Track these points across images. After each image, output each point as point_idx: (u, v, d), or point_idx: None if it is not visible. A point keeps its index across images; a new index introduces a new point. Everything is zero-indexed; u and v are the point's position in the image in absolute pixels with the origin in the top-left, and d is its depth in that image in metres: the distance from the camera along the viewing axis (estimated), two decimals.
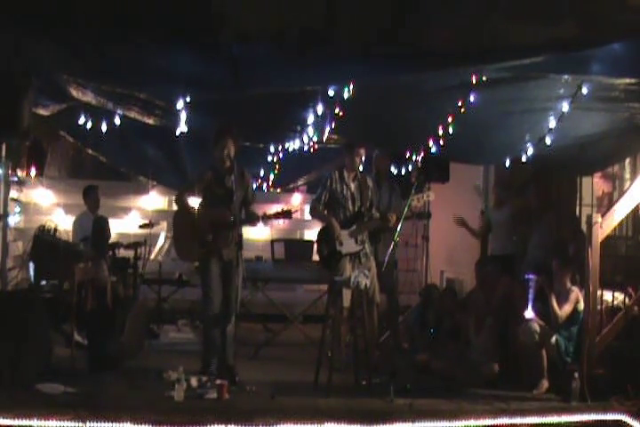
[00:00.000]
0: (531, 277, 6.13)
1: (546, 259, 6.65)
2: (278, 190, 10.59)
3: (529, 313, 5.99)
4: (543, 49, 4.47)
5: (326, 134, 7.00)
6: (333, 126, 6.74)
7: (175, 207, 6.36)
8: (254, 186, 6.68)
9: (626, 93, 5.40)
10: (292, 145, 7.81)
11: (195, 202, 6.16)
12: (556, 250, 6.62)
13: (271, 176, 9.85)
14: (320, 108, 6.08)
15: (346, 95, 5.69)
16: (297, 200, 10.70)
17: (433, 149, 7.17)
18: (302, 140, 7.49)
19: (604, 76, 5.08)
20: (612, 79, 5.14)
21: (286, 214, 5.90)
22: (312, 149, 7.88)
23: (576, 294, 6.00)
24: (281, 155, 8.79)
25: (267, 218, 5.95)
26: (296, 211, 6.08)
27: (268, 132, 7.39)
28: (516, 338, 6.09)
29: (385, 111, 6.31)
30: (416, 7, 4.43)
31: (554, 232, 7.27)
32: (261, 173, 9.63)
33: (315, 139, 7.31)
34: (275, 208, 6.23)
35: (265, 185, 9.95)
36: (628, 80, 5.08)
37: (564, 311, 5.97)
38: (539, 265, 6.79)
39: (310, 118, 6.41)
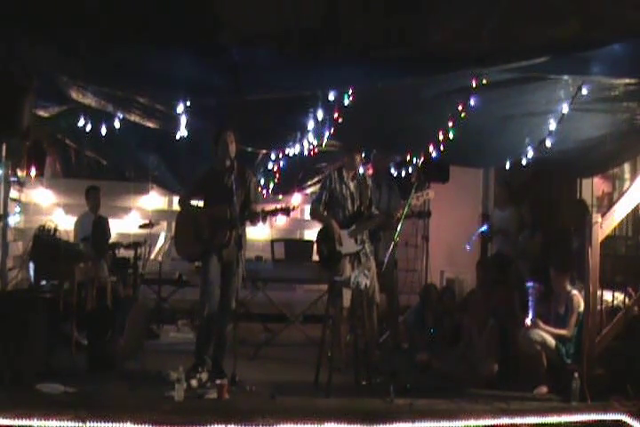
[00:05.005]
0: (530, 284, 6.13)
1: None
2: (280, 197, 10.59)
3: (529, 320, 5.99)
4: (544, 50, 4.47)
5: (325, 140, 7.00)
6: (332, 131, 6.75)
7: (178, 208, 6.38)
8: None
9: (625, 94, 5.40)
10: (293, 150, 7.82)
11: (198, 204, 6.19)
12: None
13: (271, 185, 9.89)
14: (320, 114, 6.10)
15: (346, 101, 5.70)
16: (297, 200, 10.70)
17: (433, 154, 7.18)
18: (302, 146, 7.49)
19: (604, 77, 5.08)
20: (612, 79, 5.15)
21: (285, 211, 5.91)
22: (312, 153, 7.89)
23: (577, 298, 6.00)
24: (281, 163, 8.81)
25: (265, 214, 5.94)
26: (294, 208, 6.07)
27: (268, 137, 7.40)
28: (516, 342, 6.09)
29: (385, 117, 6.32)
30: (416, 8, 4.42)
31: (538, 251, 7.36)
32: (261, 181, 9.65)
33: (314, 145, 7.33)
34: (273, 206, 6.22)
35: (265, 192, 9.96)
36: (627, 80, 5.09)
37: (570, 325, 5.96)
38: (535, 269, 6.86)
39: (310, 124, 6.42)
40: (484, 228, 8.08)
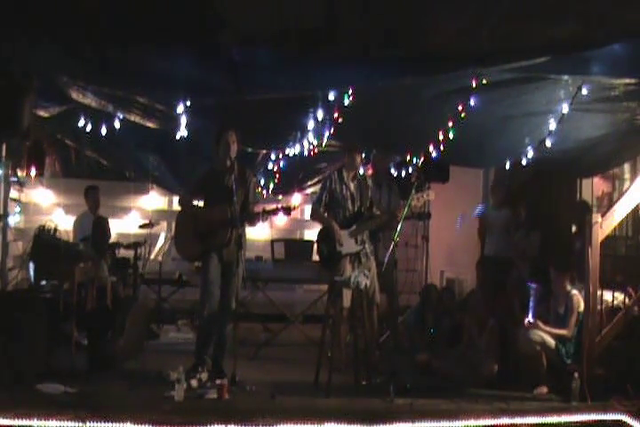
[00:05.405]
0: (532, 285, 6.14)
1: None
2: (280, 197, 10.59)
3: (529, 321, 5.99)
4: (544, 50, 4.47)
5: (325, 140, 7.00)
6: (332, 131, 6.75)
7: (178, 207, 6.38)
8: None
9: (625, 94, 5.40)
10: (293, 150, 7.82)
11: (199, 204, 6.19)
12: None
13: (271, 185, 9.89)
14: (320, 114, 6.09)
15: (346, 101, 5.70)
16: (297, 200, 10.71)
17: (433, 154, 7.18)
18: (302, 146, 7.49)
19: (604, 77, 5.08)
20: (612, 79, 5.15)
21: (285, 210, 5.91)
22: (312, 153, 7.89)
23: (577, 298, 6.00)
24: (281, 163, 8.82)
25: (265, 214, 5.94)
26: (295, 208, 6.08)
27: (268, 137, 7.40)
28: (516, 342, 6.09)
29: (385, 117, 6.32)
30: (415, 8, 4.42)
31: (535, 251, 7.36)
32: (261, 181, 9.66)
33: (314, 144, 7.33)
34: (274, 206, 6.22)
35: (265, 192, 9.97)
36: (627, 80, 5.09)
37: (570, 325, 5.96)
38: (534, 269, 6.86)
39: (310, 124, 6.42)
40: (480, 209, 8.04)
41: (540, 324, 5.93)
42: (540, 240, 7.49)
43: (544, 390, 5.90)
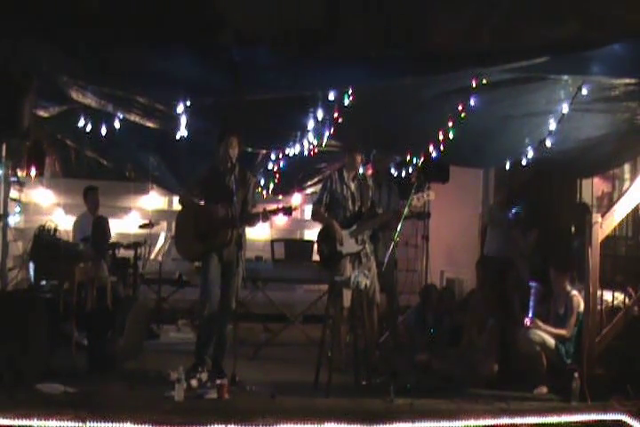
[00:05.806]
0: (532, 284, 6.14)
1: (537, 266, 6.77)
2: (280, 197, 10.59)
3: (529, 321, 5.99)
4: (544, 50, 4.47)
5: (325, 140, 7.01)
6: (332, 131, 6.76)
7: (178, 207, 6.38)
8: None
9: (625, 94, 5.41)
10: (293, 150, 7.82)
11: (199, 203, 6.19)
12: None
13: (271, 185, 9.89)
14: (320, 114, 6.10)
15: (346, 101, 5.71)
16: (297, 200, 10.71)
17: (433, 154, 7.18)
18: (302, 146, 7.50)
19: (604, 77, 5.08)
20: (612, 79, 5.15)
21: (286, 211, 5.91)
22: (312, 153, 7.89)
23: (577, 299, 6.00)
24: (281, 163, 8.82)
25: (267, 214, 5.94)
26: (295, 208, 6.09)
27: (268, 137, 7.40)
28: (516, 342, 6.09)
29: (385, 117, 6.32)
30: (415, 8, 4.42)
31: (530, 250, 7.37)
32: (262, 181, 9.66)
33: (314, 144, 7.33)
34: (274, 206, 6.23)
35: (265, 192, 9.98)
36: (627, 80, 5.09)
37: (570, 326, 5.96)
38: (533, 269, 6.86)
39: (310, 124, 6.43)
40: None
41: (540, 324, 5.94)
42: (536, 239, 7.49)
43: (544, 390, 5.90)
